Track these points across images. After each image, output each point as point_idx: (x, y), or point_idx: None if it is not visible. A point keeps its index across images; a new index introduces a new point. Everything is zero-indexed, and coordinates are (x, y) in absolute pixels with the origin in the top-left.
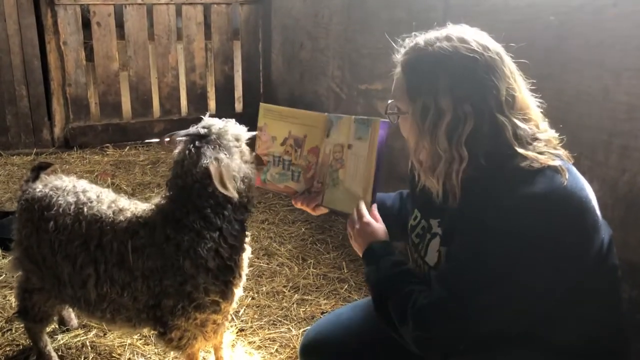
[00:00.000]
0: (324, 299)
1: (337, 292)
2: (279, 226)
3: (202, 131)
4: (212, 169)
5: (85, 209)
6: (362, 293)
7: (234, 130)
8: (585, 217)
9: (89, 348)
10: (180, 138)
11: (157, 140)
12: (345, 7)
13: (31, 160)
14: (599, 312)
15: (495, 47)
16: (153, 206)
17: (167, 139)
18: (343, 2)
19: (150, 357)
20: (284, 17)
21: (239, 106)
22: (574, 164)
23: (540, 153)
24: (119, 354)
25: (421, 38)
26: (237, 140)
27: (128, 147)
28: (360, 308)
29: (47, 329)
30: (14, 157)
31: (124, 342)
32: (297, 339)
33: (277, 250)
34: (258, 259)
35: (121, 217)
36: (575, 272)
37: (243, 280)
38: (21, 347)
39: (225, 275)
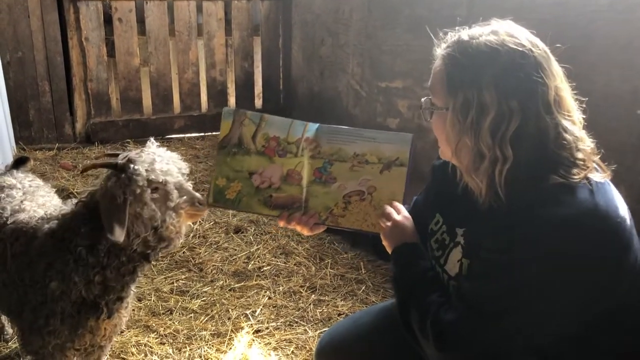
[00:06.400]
0: (341, 300)
1: (355, 294)
2: None
3: (120, 163)
4: (102, 204)
5: None
6: (380, 295)
7: (152, 173)
8: (619, 239)
9: None
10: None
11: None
12: (366, 3)
13: (53, 155)
14: (630, 329)
15: (543, 45)
16: (58, 215)
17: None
18: None
19: (164, 357)
20: (304, 13)
21: (258, 102)
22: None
23: (580, 165)
24: (133, 353)
25: (465, 32)
26: (161, 183)
27: (148, 142)
28: (376, 314)
29: None
30: (37, 151)
31: (140, 340)
32: (314, 340)
33: (294, 249)
34: (275, 257)
35: (13, 219)
36: (606, 295)
37: (118, 322)
38: None
39: (88, 312)
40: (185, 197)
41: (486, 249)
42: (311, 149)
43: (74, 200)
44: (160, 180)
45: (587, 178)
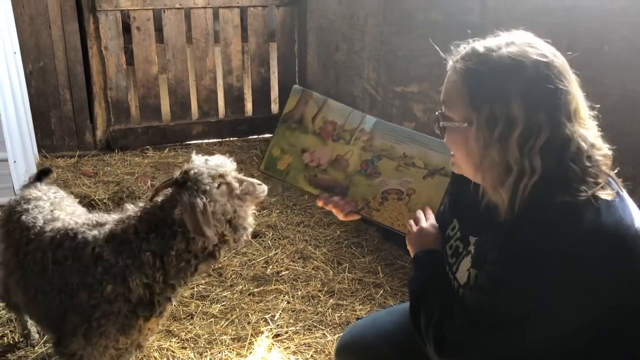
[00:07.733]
0: (359, 304)
1: (373, 298)
2: (314, 229)
3: (180, 178)
4: (187, 217)
5: (23, 217)
6: (398, 299)
7: (212, 169)
8: (629, 256)
9: None
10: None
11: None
12: (381, 9)
13: (74, 163)
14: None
15: (560, 54)
16: (118, 220)
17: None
18: (379, 3)
19: None
20: (319, 19)
21: (275, 107)
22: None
23: (589, 182)
24: (156, 358)
25: (479, 44)
26: (221, 177)
27: (167, 149)
28: (398, 313)
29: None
30: (59, 159)
31: (162, 345)
32: (332, 344)
33: (312, 254)
34: (293, 262)
35: (49, 227)
36: (609, 313)
37: (160, 321)
38: None
39: (143, 310)
40: (245, 183)
41: (489, 262)
42: (364, 140)
43: (130, 206)
44: (221, 173)
45: (595, 196)
